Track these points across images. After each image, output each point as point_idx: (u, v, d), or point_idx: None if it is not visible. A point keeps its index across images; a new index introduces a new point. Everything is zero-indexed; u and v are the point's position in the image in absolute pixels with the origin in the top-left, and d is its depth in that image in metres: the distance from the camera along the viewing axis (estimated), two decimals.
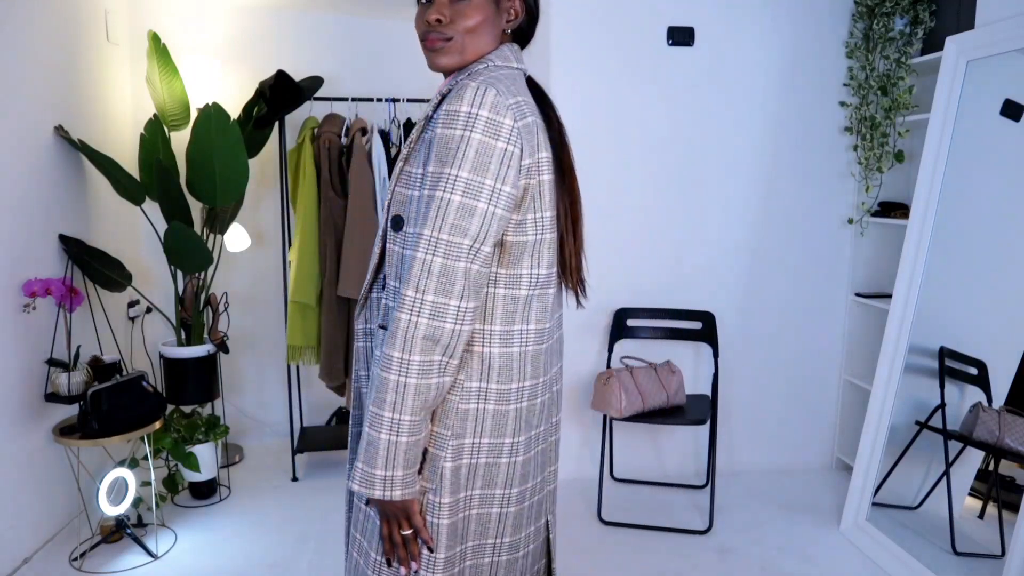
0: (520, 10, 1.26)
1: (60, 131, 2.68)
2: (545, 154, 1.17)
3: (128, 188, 2.83)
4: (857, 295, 3.21)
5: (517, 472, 1.23)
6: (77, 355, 2.57)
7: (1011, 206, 2.54)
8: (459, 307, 1.09)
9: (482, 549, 1.25)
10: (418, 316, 1.08)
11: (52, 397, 2.51)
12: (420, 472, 1.16)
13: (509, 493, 1.24)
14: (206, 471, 2.93)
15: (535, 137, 1.14)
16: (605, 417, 2.90)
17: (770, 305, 3.24)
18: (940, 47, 2.67)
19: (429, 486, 1.18)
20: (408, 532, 1.16)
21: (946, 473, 2.52)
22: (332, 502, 2.99)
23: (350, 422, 1.34)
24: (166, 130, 3.08)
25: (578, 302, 1.29)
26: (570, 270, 1.26)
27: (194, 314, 3.08)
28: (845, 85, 3.13)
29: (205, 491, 2.99)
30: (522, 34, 1.30)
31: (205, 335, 3.12)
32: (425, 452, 1.17)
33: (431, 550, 1.18)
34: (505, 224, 1.13)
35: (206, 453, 2.91)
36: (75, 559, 2.49)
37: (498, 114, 1.09)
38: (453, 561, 1.21)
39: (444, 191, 1.08)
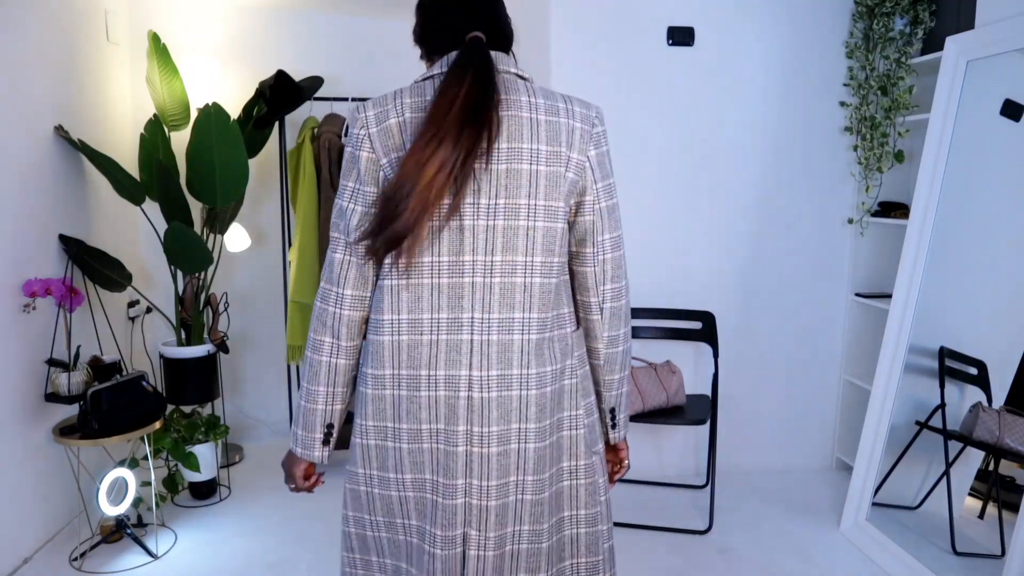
0: (417, 28, 1.34)
1: (60, 131, 2.68)
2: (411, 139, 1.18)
3: (128, 188, 2.83)
4: (857, 295, 3.21)
5: (405, 459, 1.26)
6: (77, 355, 2.57)
7: (1011, 206, 2.54)
8: (338, 293, 1.24)
9: (387, 525, 1.33)
10: (317, 300, 1.28)
11: (52, 397, 2.51)
12: (327, 444, 1.35)
13: (401, 478, 1.27)
14: (206, 471, 2.93)
15: (393, 135, 1.20)
16: None
17: (770, 305, 3.24)
18: (940, 47, 2.67)
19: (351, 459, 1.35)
20: (291, 486, 1.42)
21: (946, 473, 2.52)
22: (332, 502, 2.98)
23: None
24: (166, 130, 3.09)
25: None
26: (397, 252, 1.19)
27: (194, 314, 3.08)
28: (845, 85, 3.13)
29: (205, 491, 2.99)
30: (444, 25, 1.28)
31: (205, 335, 3.12)
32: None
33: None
34: (369, 217, 1.20)
35: (206, 453, 2.91)
36: (75, 559, 2.49)
37: (352, 126, 1.24)
38: (362, 523, 1.35)
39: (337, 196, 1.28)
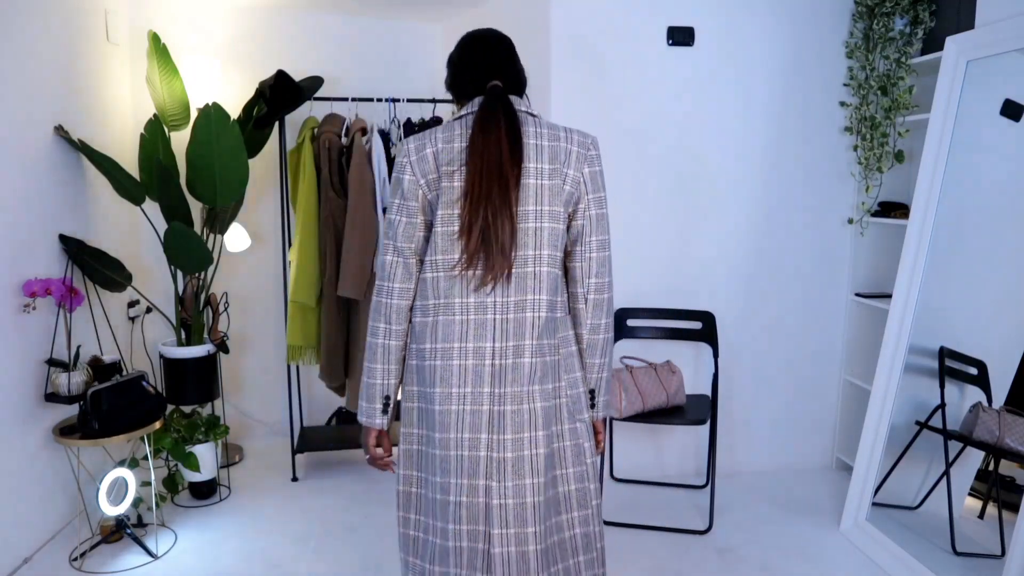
0: (448, 79, 1.68)
1: (60, 131, 2.68)
2: (445, 167, 1.51)
3: (128, 188, 2.83)
4: (857, 295, 3.21)
5: (440, 419, 1.54)
6: (77, 355, 2.57)
7: (1011, 206, 2.54)
8: (389, 287, 1.56)
9: (422, 481, 1.60)
10: (374, 295, 1.59)
11: (52, 397, 2.51)
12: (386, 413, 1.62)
13: (437, 436, 1.54)
14: (206, 471, 2.93)
15: (428, 163, 1.52)
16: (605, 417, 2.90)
17: (770, 305, 3.24)
18: (940, 47, 2.67)
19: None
20: (367, 457, 1.66)
21: (946, 473, 2.52)
22: (332, 502, 2.99)
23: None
24: (166, 130, 3.09)
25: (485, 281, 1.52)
26: (467, 252, 1.50)
27: (194, 314, 3.08)
28: (845, 85, 3.13)
29: (205, 491, 3.00)
30: (469, 77, 1.62)
31: (205, 335, 3.13)
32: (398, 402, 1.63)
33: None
34: (412, 226, 1.55)
35: (206, 453, 2.91)
36: (75, 559, 2.49)
37: (397, 156, 1.62)
38: (409, 480, 1.62)
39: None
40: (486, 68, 1.60)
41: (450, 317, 1.52)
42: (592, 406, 1.65)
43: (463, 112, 1.57)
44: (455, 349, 1.52)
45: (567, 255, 1.59)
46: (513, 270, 1.50)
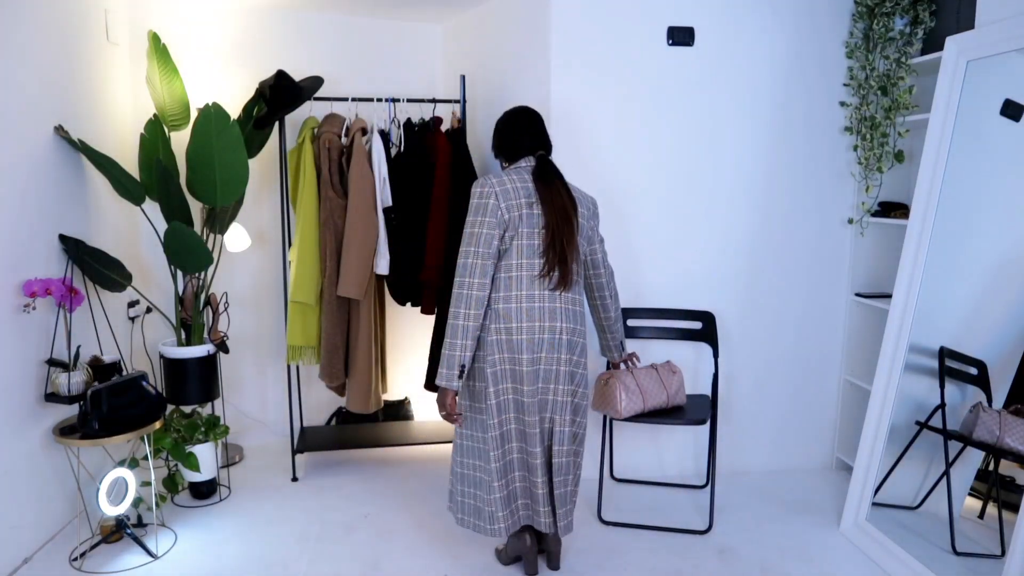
0: (496, 142, 2.43)
1: (60, 131, 2.68)
2: (523, 200, 2.22)
3: (128, 188, 2.83)
4: (857, 295, 3.21)
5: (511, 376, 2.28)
6: (77, 355, 2.57)
7: (1011, 206, 2.54)
8: (469, 281, 2.19)
9: (508, 420, 2.30)
10: (455, 288, 2.21)
11: (52, 397, 2.51)
12: (461, 377, 2.20)
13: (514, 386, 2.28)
14: (206, 471, 2.93)
15: (510, 195, 2.22)
16: (605, 417, 2.90)
17: (770, 305, 3.24)
18: (940, 47, 2.67)
19: (480, 384, 2.30)
20: (443, 413, 2.24)
21: (946, 473, 2.52)
22: (332, 502, 2.99)
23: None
24: (166, 130, 3.09)
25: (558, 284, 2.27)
26: (548, 264, 2.25)
27: (194, 314, 3.08)
28: (845, 85, 3.13)
29: (205, 491, 3.00)
30: (518, 142, 2.37)
31: (205, 335, 3.12)
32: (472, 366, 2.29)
33: (454, 421, 2.27)
34: (491, 236, 2.20)
35: (206, 453, 2.91)
36: (75, 559, 2.49)
37: (482, 187, 2.25)
38: (502, 424, 2.28)
39: (465, 225, 2.27)
40: (531, 136, 2.35)
41: (532, 305, 2.23)
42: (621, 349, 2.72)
43: (521, 165, 2.30)
44: (536, 327, 2.23)
45: (592, 275, 2.49)
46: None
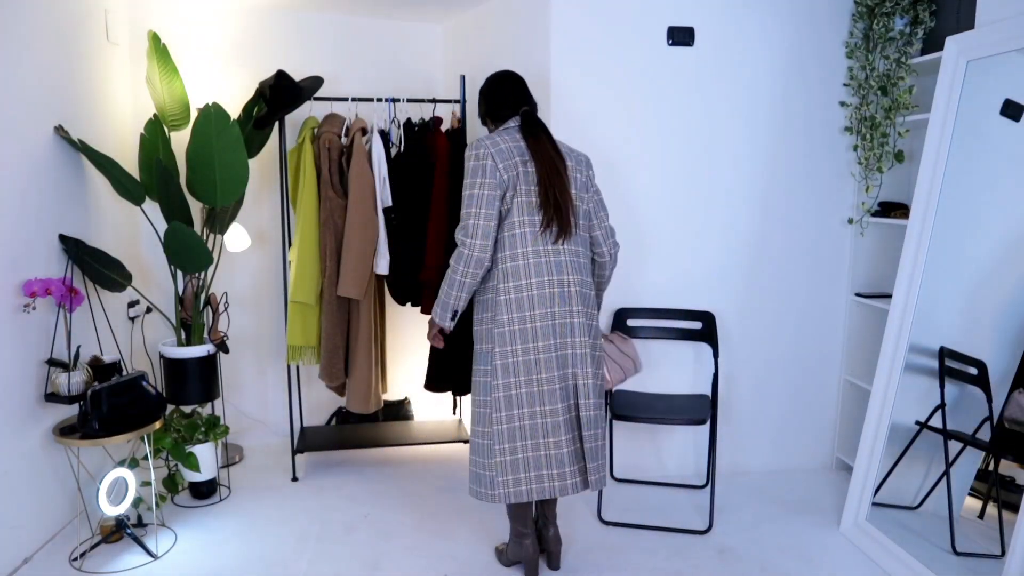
0: (482, 106, 2.43)
1: (60, 131, 2.68)
2: (517, 158, 2.23)
3: (128, 188, 2.83)
4: (857, 295, 3.21)
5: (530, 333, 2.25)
6: (77, 355, 2.57)
7: (1011, 206, 2.54)
8: (471, 242, 2.19)
9: (519, 383, 2.25)
10: (457, 247, 2.23)
11: (52, 397, 2.51)
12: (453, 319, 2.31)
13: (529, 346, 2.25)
14: (206, 471, 2.93)
15: (505, 155, 2.22)
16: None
17: (770, 305, 3.24)
18: (940, 47, 2.67)
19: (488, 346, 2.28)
20: (429, 336, 2.41)
21: (946, 473, 2.52)
22: (332, 502, 2.99)
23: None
24: (166, 130, 3.09)
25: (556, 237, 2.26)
26: (547, 217, 2.23)
27: (194, 314, 3.08)
28: (845, 85, 3.13)
29: (205, 491, 3.00)
30: (504, 104, 2.36)
31: (205, 335, 3.12)
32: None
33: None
34: (493, 197, 2.20)
35: (206, 453, 2.92)
36: (75, 559, 2.49)
37: (477, 148, 2.25)
38: (509, 386, 2.24)
39: (464, 187, 2.27)
40: (515, 96, 2.36)
41: (539, 260, 2.22)
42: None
43: (509, 125, 2.30)
44: (544, 281, 2.22)
45: (595, 252, 2.43)
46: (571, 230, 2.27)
